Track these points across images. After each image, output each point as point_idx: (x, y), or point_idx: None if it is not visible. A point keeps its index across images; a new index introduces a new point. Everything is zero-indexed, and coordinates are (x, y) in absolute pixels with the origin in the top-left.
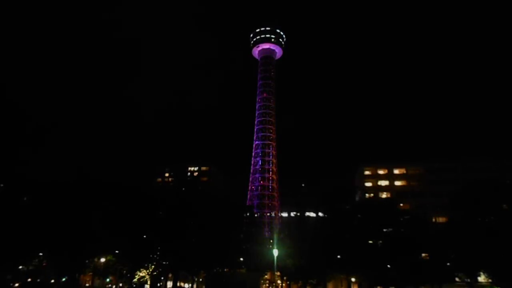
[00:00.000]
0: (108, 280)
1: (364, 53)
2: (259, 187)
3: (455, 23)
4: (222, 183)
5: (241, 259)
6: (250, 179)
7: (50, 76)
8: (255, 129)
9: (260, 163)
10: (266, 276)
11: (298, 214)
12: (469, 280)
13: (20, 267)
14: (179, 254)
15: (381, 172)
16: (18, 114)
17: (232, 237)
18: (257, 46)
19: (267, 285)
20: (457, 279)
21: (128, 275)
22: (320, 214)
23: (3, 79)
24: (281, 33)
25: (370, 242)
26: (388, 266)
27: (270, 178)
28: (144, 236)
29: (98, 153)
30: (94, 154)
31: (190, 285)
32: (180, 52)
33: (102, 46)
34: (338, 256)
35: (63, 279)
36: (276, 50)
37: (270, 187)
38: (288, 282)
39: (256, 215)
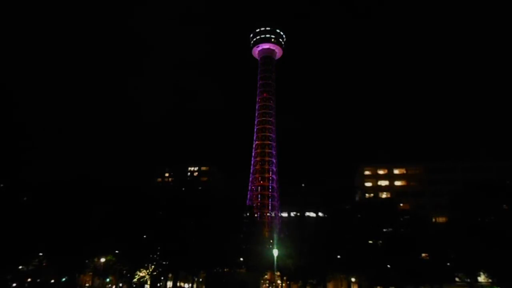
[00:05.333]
0: (108, 280)
1: (364, 53)
2: (259, 187)
3: (455, 23)
4: (222, 183)
5: (241, 259)
6: (250, 179)
7: (50, 76)
8: (255, 129)
9: (260, 163)
10: (266, 276)
11: (298, 214)
12: (469, 280)
13: (20, 267)
14: (179, 254)
15: (381, 172)
16: (18, 113)
17: (232, 237)
18: (257, 46)
19: (267, 285)
20: (457, 279)
21: (128, 275)
22: (320, 214)
23: (3, 78)
24: (281, 33)
25: (370, 242)
26: (388, 266)
27: (270, 178)
28: (144, 236)
29: (98, 153)
30: (94, 154)
31: (190, 285)
32: (180, 52)
33: (101, 45)
34: (338, 256)
35: (63, 279)
36: (276, 50)
37: (270, 187)
38: (288, 282)
39: (256, 215)
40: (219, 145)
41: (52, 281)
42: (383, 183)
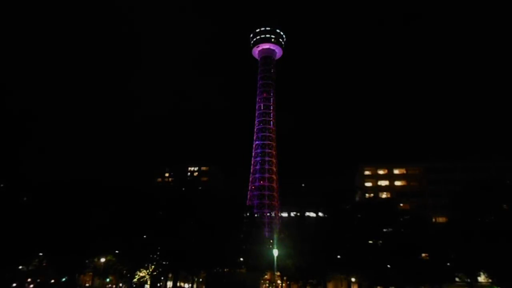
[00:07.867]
0: (108, 280)
1: (364, 53)
2: (259, 187)
3: (455, 23)
4: (222, 183)
5: (241, 259)
6: (250, 179)
7: (49, 76)
8: (255, 129)
9: (260, 163)
10: (266, 276)
11: (298, 214)
12: (469, 280)
13: (20, 267)
14: (179, 254)
15: (381, 172)
16: (18, 113)
17: (232, 237)
18: (257, 46)
19: (267, 285)
20: (457, 279)
21: (128, 275)
22: (320, 214)
23: (2, 78)
24: (281, 33)
25: (370, 242)
26: (388, 266)
27: (270, 178)
28: (144, 236)
29: (98, 153)
30: (94, 154)
31: (190, 285)
32: (179, 52)
33: (101, 44)
34: (338, 256)
35: (63, 279)
36: (276, 50)
37: (270, 187)
38: (288, 282)
39: (256, 215)
40: (219, 145)
41: (52, 281)
42: (383, 183)
